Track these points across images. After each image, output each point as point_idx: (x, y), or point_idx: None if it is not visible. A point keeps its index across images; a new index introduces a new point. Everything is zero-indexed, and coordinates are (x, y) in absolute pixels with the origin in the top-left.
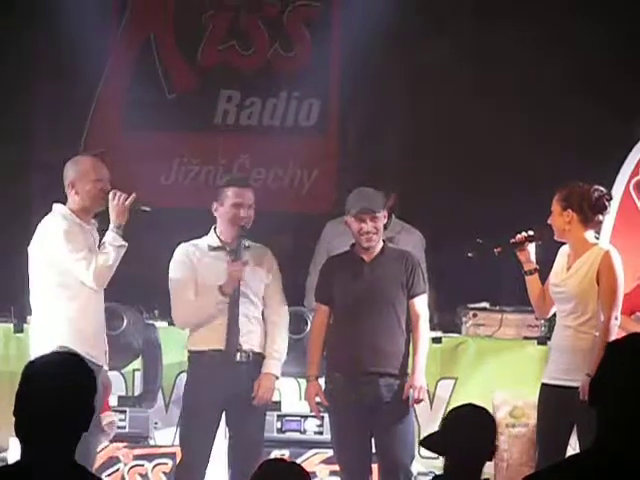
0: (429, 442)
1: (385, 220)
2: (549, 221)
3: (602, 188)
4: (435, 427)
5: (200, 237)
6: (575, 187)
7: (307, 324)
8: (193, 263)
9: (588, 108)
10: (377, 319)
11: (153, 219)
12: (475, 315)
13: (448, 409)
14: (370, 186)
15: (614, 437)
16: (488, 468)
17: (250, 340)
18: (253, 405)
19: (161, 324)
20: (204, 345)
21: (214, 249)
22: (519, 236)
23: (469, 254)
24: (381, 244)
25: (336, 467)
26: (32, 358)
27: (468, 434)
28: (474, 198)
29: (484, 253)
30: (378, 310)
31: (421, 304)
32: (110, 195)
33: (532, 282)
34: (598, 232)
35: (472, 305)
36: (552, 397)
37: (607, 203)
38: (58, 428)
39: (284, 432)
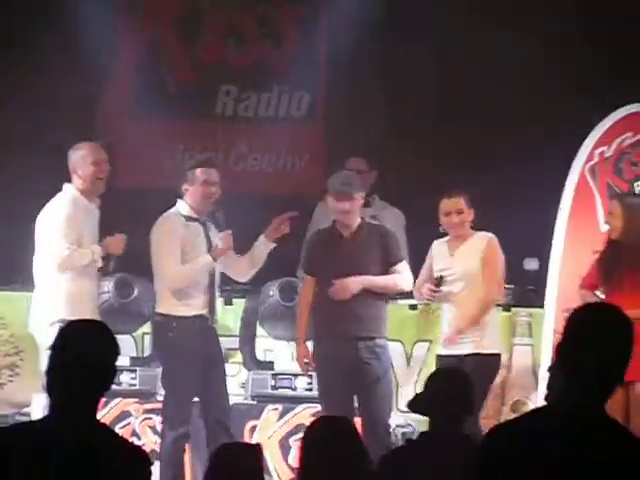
0: (413, 405)
1: (361, 201)
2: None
3: None
4: (411, 385)
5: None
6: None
7: (297, 293)
8: (179, 232)
9: (553, 92)
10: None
11: (159, 200)
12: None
13: (424, 368)
14: (354, 167)
15: (581, 390)
16: None
17: (217, 306)
18: (224, 366)
19: None
20: (188, 311)
21: (190, 220)
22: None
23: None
24: (359, 221)
25: None
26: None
27: (448, 395)
28: (450, 177)
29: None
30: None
31: (401, 268)
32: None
33: None
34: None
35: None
36: None
37: None
38: (85, 387)
39: (277, 389)
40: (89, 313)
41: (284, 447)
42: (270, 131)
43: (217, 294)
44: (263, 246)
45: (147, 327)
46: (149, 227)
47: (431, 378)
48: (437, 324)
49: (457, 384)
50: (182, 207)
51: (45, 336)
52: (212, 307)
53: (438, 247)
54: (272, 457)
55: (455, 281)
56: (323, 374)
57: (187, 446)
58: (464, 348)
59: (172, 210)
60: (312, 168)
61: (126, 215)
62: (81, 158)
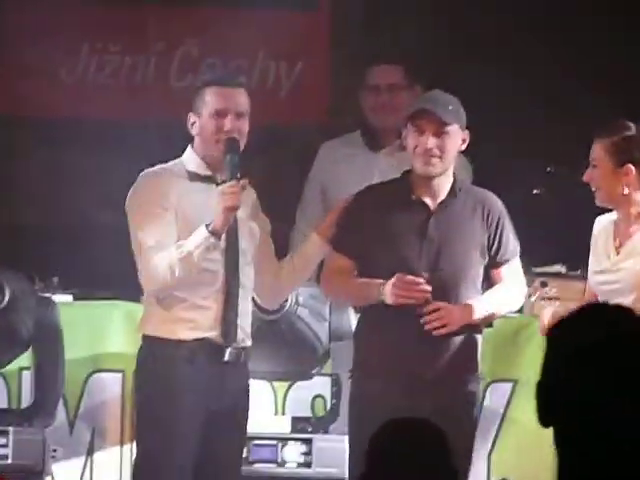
0: None
1: (462, 145)
2: (587, 178)
3: None
4: (483, 458)
5: (166, 162)
6: (633, 132)
7: (287, 300)
8: (172, 197)
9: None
10: (442, 300)
11: (48, 137)
12: (544, 284)
13: (505, 425)
14: (384, 81)
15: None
16: None
17: (245, 326)
18: (239, 425)
19: (63, 298)
20: (184, 332)
21: (199, 178)
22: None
23: (535, 191)
24: (450, 182)
25: None
26: None
27: None
28: (533, 105)
29: (557, 189)
30: (444, 287)
31: (509, 274)
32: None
33: None
34: None
35: (540, 269)
36: None
37: None
38: None
39: (251, 464)
40: None
41: None
42: (238, 20)
43: (240, 302)
44: (315, 247)
45: (26, 358)
46: (30, 186)
47: None
48: (528, 352)
49: None
50: (188, 157)
51: None
52: (228, 326)
53: (601, 230)
54: None
55: (619, 294)
56: (364, 427)
57: None
58: None
59: (170, 163)
60: (309, 83)
61: None
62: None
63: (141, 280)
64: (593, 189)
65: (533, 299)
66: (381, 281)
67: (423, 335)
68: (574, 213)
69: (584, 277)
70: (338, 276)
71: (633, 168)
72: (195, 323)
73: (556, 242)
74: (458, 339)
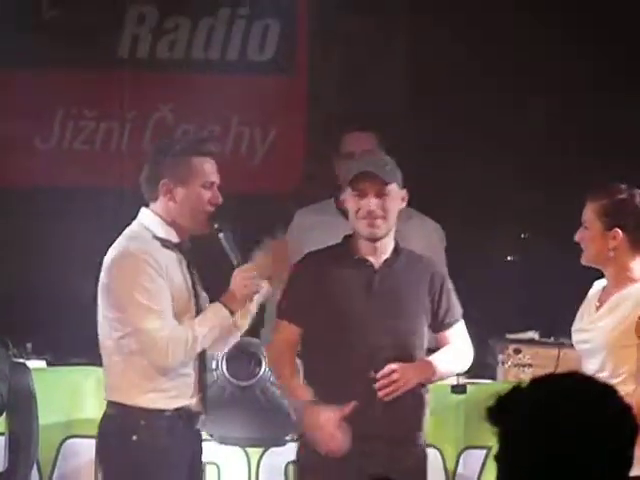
0: None
1: (402, 203)
2: (578, 238)
3: None
4: None
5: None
6: (624, 196)
7: (261, 365)
8: (163, 266)
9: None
10: (389, 360)
11: (23, 206)
12: (518, 351)
13: None
14: (357, 147)
15: None
16: None
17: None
18: None
19: (37, 364)
20: (166, 400)
21: (170, 245)
22: None
23: (508, 257)
24: (393, 242)
25: None
26: None
27: None
28: (507, 172)
29: (531, 256)
30: (388, 347)
31: (457, 337)
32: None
33: None
34: None
35: (513, 336)
36: None
37: None
38: None
39: None
40: None
41: None
42: (212, 86)
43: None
44: (216, 313)
45: (0, 424)
46: (4, 252)
47: None
48: None
49: None
50: (155, 223)
51: None
52: (205, 392)
53: (593, 292)
54: None
55: (592, 353)
56: None
57: None
58: None
59: (135, 228)
60: (283, 149)
61: None
62: None
63: (151, 353)
64: (583, 248)
65: (507, 366)
66: (309, 401)
67: (373, 394)
68: (548, 280)
69: (557, 344)
70: (280, 354)
71: (621, 232)
72: (177, 391)
73: (529, 309)
74: (408, 396)
